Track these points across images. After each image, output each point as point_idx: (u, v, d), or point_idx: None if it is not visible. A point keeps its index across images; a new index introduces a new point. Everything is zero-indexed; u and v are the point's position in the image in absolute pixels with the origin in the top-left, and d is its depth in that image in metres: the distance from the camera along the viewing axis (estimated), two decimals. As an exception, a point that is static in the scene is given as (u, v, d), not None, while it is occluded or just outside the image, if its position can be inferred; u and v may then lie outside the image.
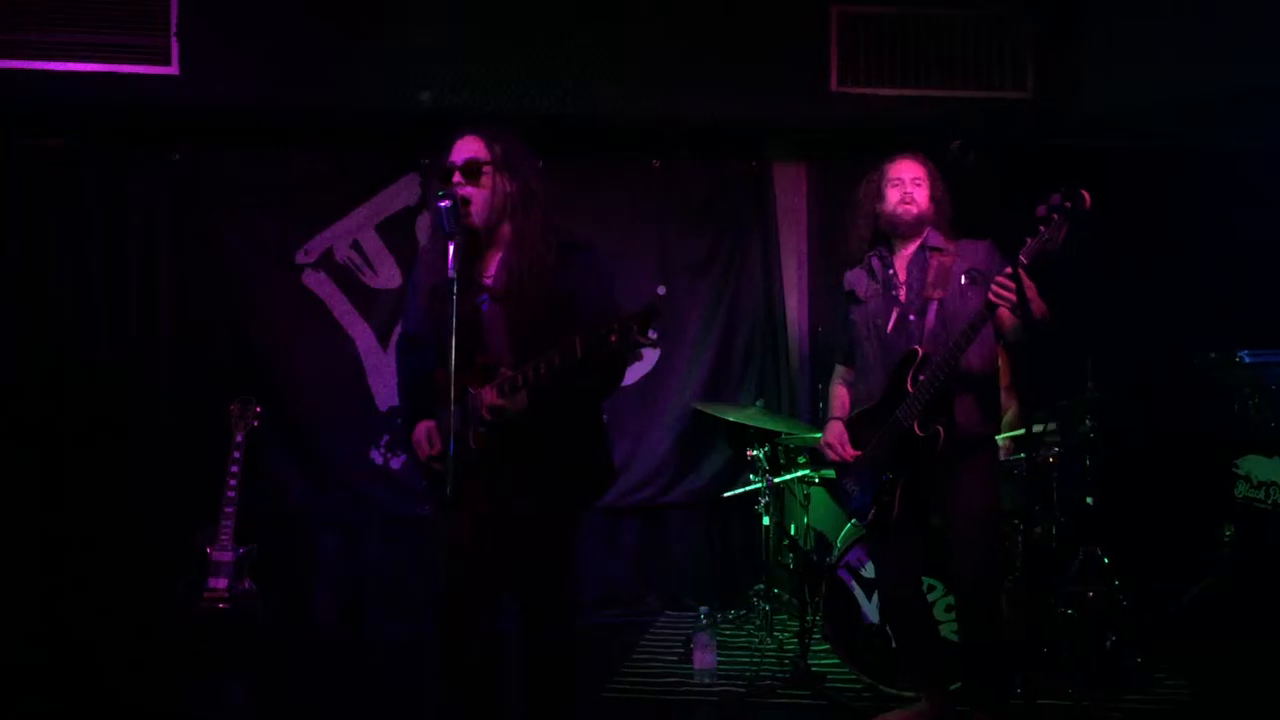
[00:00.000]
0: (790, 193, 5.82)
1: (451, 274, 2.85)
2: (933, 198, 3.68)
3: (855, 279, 3.82)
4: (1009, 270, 3.18)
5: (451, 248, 2.87)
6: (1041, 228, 3.16)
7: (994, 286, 3.24)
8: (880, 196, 3.72)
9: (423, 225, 5.46)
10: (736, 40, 5.07)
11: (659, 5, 5.02)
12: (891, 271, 3.71)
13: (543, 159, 5.69)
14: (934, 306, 3.60)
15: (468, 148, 3.05)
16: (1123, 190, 5.17)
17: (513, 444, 2.99)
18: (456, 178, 3.01)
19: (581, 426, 3.15)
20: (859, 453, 3.67)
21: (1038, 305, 3.31)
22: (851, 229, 3.84)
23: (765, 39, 5.10)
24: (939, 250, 3.65)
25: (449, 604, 3.10)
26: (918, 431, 3.50)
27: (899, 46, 5.12)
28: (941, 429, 3.48)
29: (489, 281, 3.07)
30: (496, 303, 3.05)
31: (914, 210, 3.66)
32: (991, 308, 3.28)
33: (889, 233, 3.74)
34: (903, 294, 3.67)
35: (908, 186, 3.67)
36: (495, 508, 3.05)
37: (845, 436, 3.73)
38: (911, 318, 3.63)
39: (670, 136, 5.53)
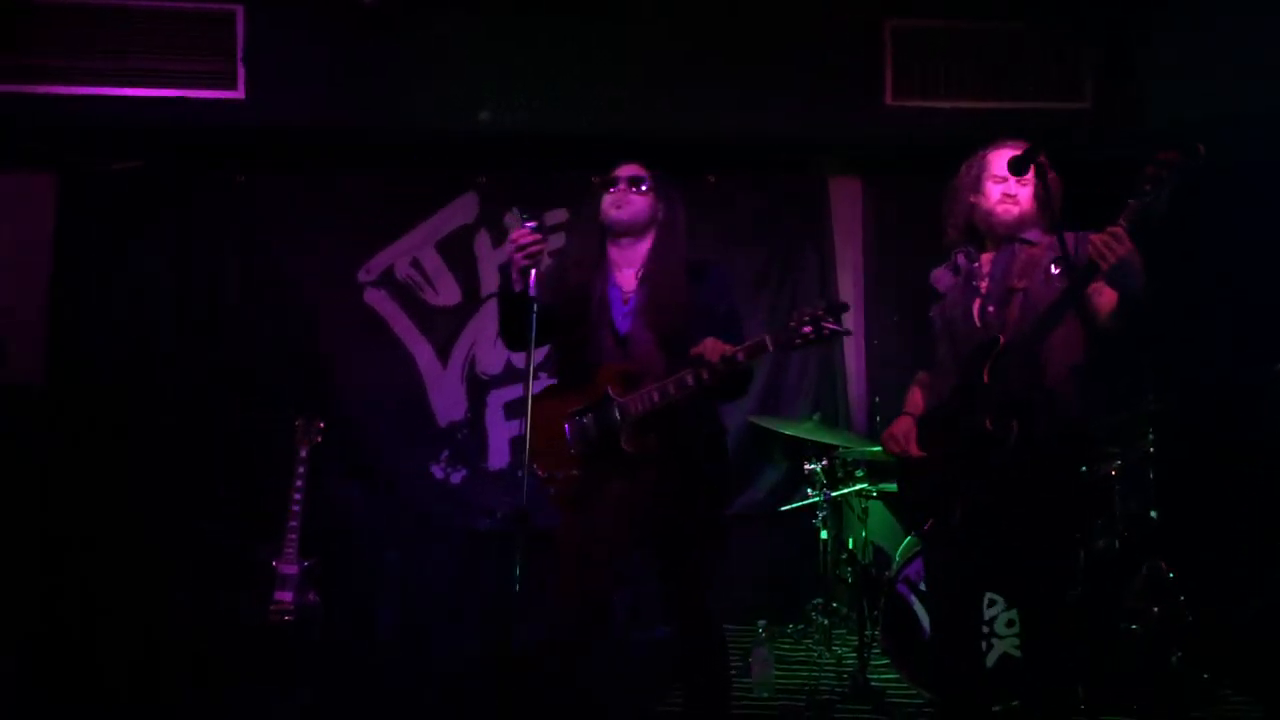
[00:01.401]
0: (846, 206, 5.83)
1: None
2: (1037, 195, 3.24)
3: (940, 276, 3.45)
4: (1111, 228, 2.88)
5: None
6: (1146, 185, 2.85)
7: (1094, 239, 2.89)
8: (979, 190, 3.31)
9: (481, 242, 5.55)
10: (790, 56, 5.11)
11: (713, 23, 5.06)
12: (976, 264, 3.33)
13: (599, 177, 5.77)
14: (1018, 297, 3.21)
15: (631, 168, 3.40)
16: (1185, 201, 5.10)
17: (663, 442, 3.19)
18: (621, 185, 3.35)
19: (718, 431, 3.44)
20: (923, 454, 3.35)
21: (1138, 272, 2.94)
22: (947, 217, 3.44)
23: (819, 54, 5.13)
24: (1031, 244, 3.24)
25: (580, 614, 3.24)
26: (989, 427, 3.12)
27: (953, 59, 5.11)
28: (1015, 424, 3.11)
29: (632, 297, 3.31)
30: (641, 315, 3.27)
31: (1015, 211, 3.25)
32: (1088, 271, 2.94)
33: (984, 231, 3.34)
34: (984, 285, 3.28)
35: (1012, 186, 3.25)
36: (637, 512, 3.22)
37: (913, 433, 3.42)
38: (991, 309, 3.23)
39: (725, 152, 5.56)
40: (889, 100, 5.13)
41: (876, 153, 5.57)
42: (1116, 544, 4.42)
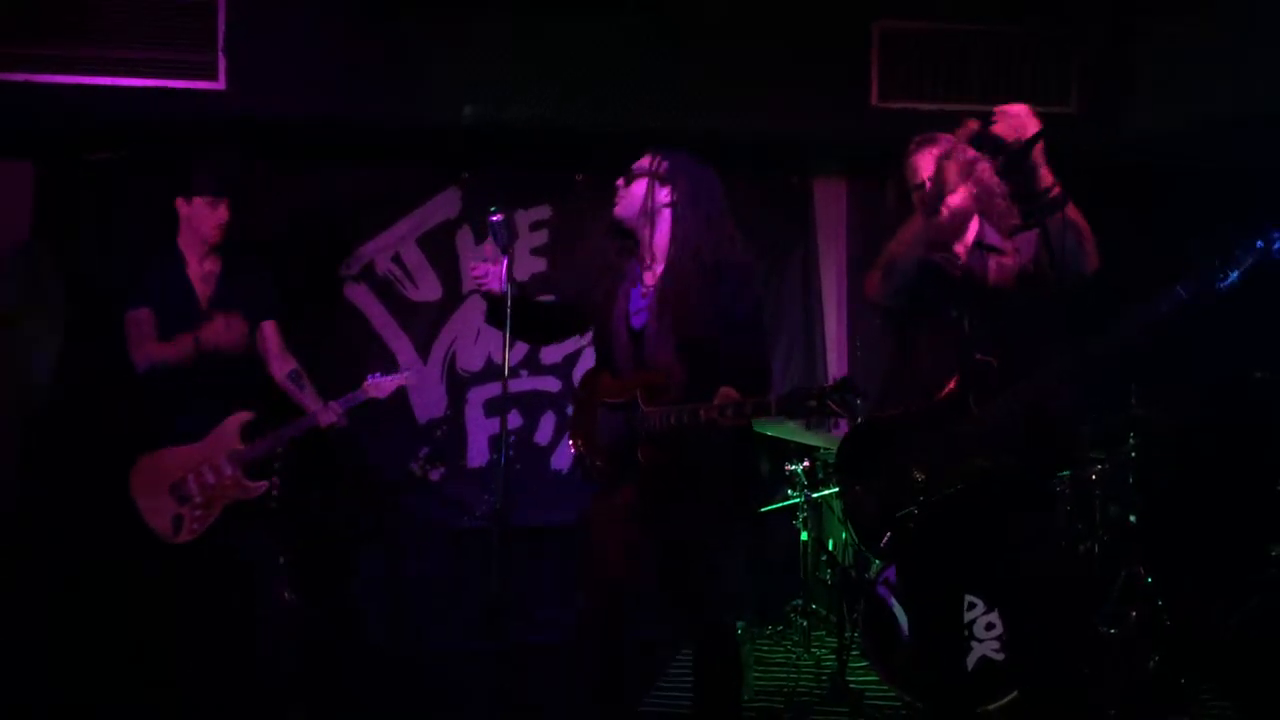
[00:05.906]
0: (831, 208, 5.83)
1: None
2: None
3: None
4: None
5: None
6: (1217, 260, 2.83)
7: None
8: (907, 209, 3.26)
9: (463, 238, 5.52)
10: (777, 57, 5.08)
11: (700, 22, 5.03)
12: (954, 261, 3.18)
13: (582, 174, 5.74)
14: (1002, 314, 3.12)
15: (638, 162, 3.35)
16: (1168, 208, 5.12)
17: (677, 459, 3.14)
18: (620, 180, 3.33)
19: (734, 438, 3.31)
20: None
21: (1092, 256, 2.92)
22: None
23: (806, 55, 5.10)
24: (996, 250, 3.14)
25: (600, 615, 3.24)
26: (983, 466, 3.02)
27: (941, 62, 5.10)
28: (1011, 463, 3.01)
29: (648, 296, 3.23)
30: (657, 314, 3.18)
31: (945, 213, 3.16)
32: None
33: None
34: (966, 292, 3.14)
35: (925, 187, 3.19)
36: (650, 518, 3.20)
37: None
38: (978, 323, 3.13)
39: (710, 152, 5.51)
40: (875, 102, 5.11)
41: (862, 154, 5.54)
42: (1096, 548, 4.42)
